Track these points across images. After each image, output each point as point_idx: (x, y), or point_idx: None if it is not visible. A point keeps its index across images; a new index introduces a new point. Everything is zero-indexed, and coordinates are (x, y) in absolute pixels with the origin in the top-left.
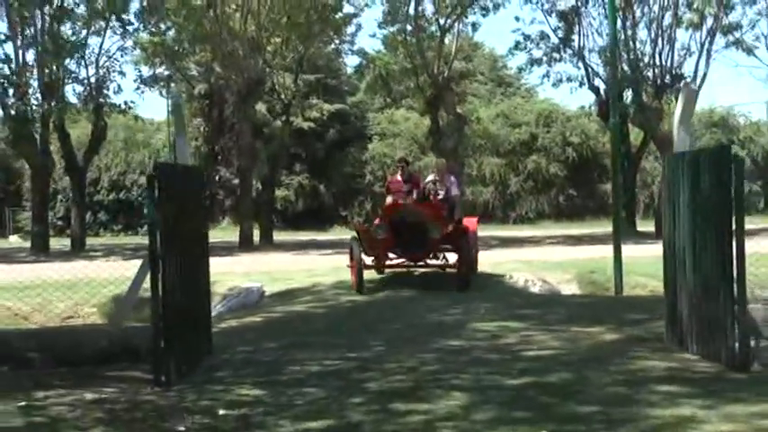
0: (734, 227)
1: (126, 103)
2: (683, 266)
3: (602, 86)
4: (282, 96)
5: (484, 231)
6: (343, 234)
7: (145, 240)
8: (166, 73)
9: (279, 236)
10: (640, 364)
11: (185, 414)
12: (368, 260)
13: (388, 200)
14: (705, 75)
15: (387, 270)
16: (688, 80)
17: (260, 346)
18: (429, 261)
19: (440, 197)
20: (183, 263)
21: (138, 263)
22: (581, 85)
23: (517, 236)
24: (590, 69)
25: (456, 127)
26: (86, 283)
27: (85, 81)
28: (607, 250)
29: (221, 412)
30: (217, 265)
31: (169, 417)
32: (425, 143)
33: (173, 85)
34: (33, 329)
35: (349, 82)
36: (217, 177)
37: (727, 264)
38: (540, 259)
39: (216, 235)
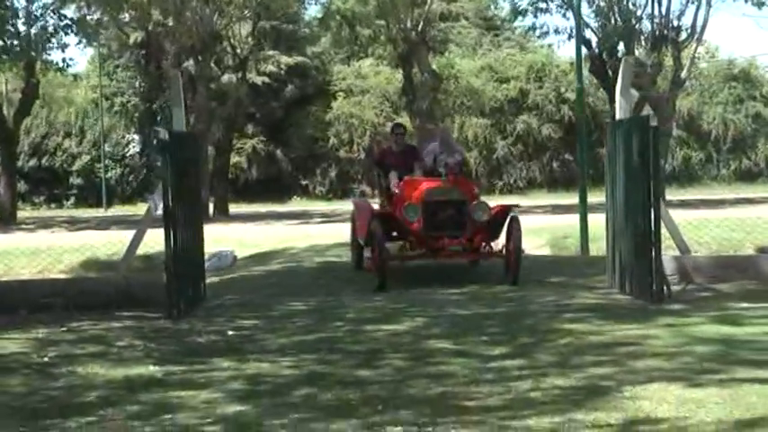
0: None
1: (65, 60)
2: (620, 221)
3: (594, 39)
4: (238, 50)
5: None
6: (306, 206)
7: (76, 213)
8: (94, 18)
9: (232, 208)
10: (576, 300)
11: (202, 333)
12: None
13: (392, 177)
14: (704, 27)
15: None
16: (687, 31)
17: (247, 294)
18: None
19: (455, 171)
20: (185, 218)
21: (82, 234)
22: (570, 37)
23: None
24: (581, 20)
25: (431, 86)
26: (46, 250)
27: (17, 33)
28: (592, 218)
29: (230, 333)
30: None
31: (187, 335)
32: (398, 102)
33: (102, 32)
34: (48, 278)
35: (309, 28)
36: (155, 141)
37: (647, 219)
38: None
39: None
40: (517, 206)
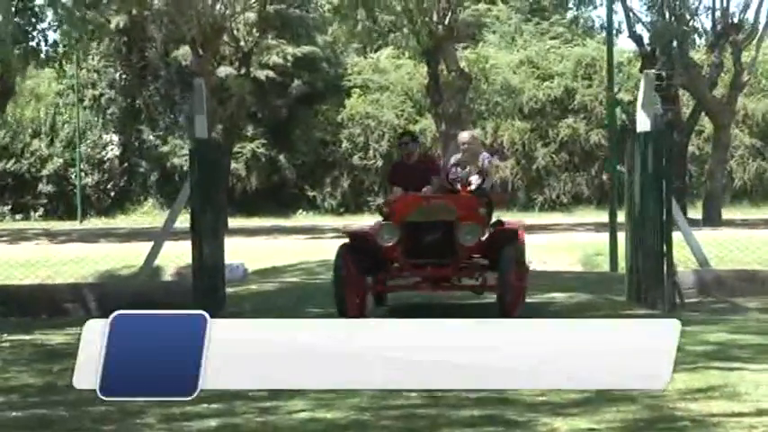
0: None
1: (48, 51)
2: (637, 233)
3: (645, 35)
4: (242, 43)
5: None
6: (314, 220)
7: (47, 225)
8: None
9: (229, 221)
10: (589, 311)
11: None
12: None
13: (397, 193)
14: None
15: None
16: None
17: (265, 302)
18: (459, 282)
19: (472, 187)
20: (210, 224)
21: (70, 247)
22: (618, 33)
23: (538, 223)
24: (631, 14)
25: (459, 87)
26: (43, 263)
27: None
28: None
29: None
30: (181, 249)
31: None
32: (422, 101)
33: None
34: (69, 282)
35: (320, 14)
36: (137, 143)
37: (659, 233)
38: (549, 244)
39: (141, 221)
40: (514, 230)
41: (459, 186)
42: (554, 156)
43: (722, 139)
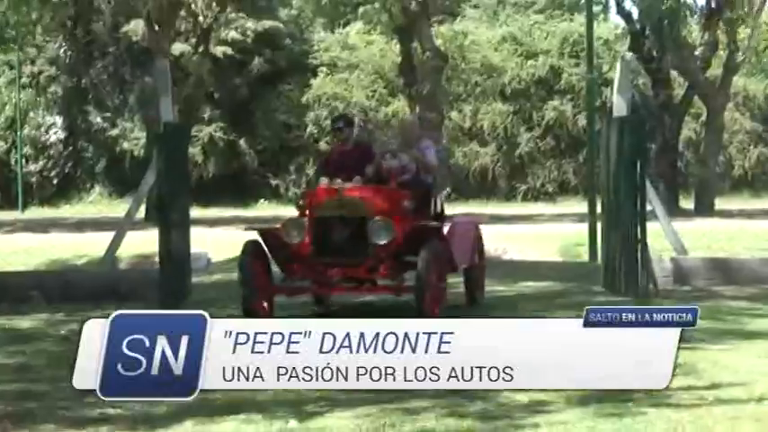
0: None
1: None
2: (612, 220)
3: (635, 12)
4: (200, 18)
5: (474, 209)
6: (277, 210)
7: None
8: None
9: None
10: (563, 299)
11: None
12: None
13: (321, 183)
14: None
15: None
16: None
17: (232, 291)
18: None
19: (404, 177)
20: (176, 212)
21: (17, 237)
22: (605, 9)
23: (519, 213)
24: None
25: (435, 67)
26: None
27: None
28: None
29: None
30: (141, 239)
31: None
32: (396, 80)
33: None
34: (29, 270)
35: None
36: (83, 125)
37: (633, 220)
38: (529, 234)
39: (87, 210)
40: (436, 227)
41: (390, 176)
42: (538, 141)
43: (716, 123)
